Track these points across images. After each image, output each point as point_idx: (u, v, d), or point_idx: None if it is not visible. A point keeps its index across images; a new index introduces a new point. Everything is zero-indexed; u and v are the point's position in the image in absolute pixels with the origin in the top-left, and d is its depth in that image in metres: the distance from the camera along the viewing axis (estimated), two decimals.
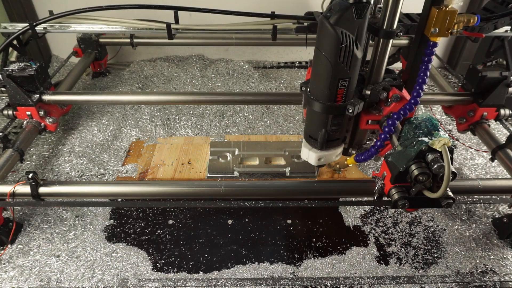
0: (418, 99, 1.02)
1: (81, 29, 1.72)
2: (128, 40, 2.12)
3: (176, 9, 1.62)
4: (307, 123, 1.09)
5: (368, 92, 1.06)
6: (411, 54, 1.09)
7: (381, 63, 1.05)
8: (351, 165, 1.23)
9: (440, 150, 0.92)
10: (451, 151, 0.92)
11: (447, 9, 0.94)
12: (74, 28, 1.71)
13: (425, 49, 1.01)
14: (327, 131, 1.04)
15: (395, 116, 1.04)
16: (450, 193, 0.99)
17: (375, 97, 1.06)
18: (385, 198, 1.11)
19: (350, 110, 0.99)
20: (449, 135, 1.87)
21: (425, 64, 1.03)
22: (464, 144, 1.83)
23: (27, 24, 1.59)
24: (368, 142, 1.25)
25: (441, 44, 2.49)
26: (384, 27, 0.98)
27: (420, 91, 1.02)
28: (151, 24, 1.71)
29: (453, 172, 0.91)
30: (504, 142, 1.47)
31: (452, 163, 0.93)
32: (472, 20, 0.97)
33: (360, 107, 1.02)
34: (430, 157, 0.93)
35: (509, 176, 1.39)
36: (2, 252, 1.31)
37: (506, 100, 1.57)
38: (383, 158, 1.08)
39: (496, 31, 1.64)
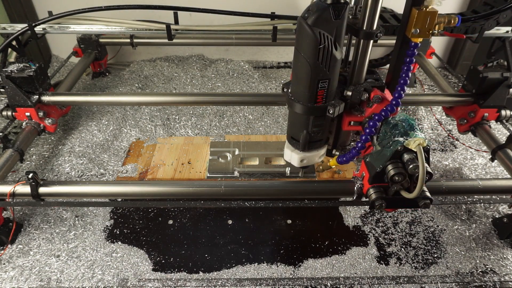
0: (399, 100, 1.02)
1: (80, 30, 1.71)
2: (128, 40, 2.13)
3: (176, 9, 1.62)
4: (289, 124, 1.09)
5: (350, 93, 1.06)
6: (393, 55, 1.09)
7: (362, 64, 1.05)
8: (333, 166, 1.23)
9: (415, 150, 0.92)
10: (427, 151, 0.92)
11: (428, 9, 0.94)
12: (73, 29, 1.70)
13: (406, 50, 1.01)
14: (308, 133, 1.03)
15: (376, 118, 1.03)
16: (428, 194, 0.99)
17: (357, 98, 1.06)
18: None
19: (331, 111, 0.98)
20: (449, 135, 1.88)
21: (406, 65, 1.02)
22: (464, 144, 1.83)
23: (26, 25, 1.58)
24: (352, 143, 1.25)
25: (441, 44, 2.49)
26: (364, 28, 0.98)
27: (402, 92, 1.02)
28: (150, 25, 1.71)
29: (428, 173, 0.90)
30: (504, 142, 1.47)
31: (429, 164, 0.93)
32: (452, 21, 0.97)
33: (341, 108, 1.02)
34: (406, 157, 0.93)
35: (509, 176, 1.39)
36: (2, 252, 1.31)
37: (507, 101, 1.57)
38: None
39: (497, 32, 1.65)
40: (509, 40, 1.64)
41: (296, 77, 0.96)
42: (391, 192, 1.00)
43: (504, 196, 1.37)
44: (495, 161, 1.50)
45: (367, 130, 1.04)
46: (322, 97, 0.96)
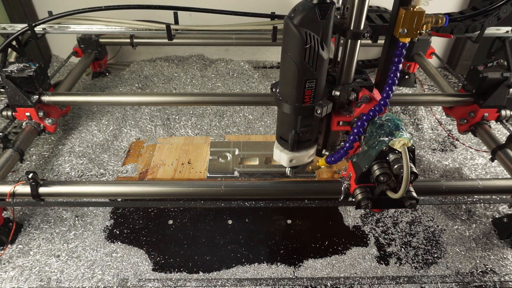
0: (387, 100, 1.01)
1: (80, 30, 1.71)
2: (128, 40, 2.13)
3: (176, 9, 1.62)
4: (278, 124, 1.09)
5: (338, 93, 1.06)
6: (382, 55, 1.09)
7: (350, 64, 1.05)
8: (322, 166, 1.24)
9: (400, 150, 0.91)
10: (412, 151, 0.92)
11: (415, 9, 0.94)
12: (73, 29, 1.71)
13: (394, 50, 1.01)
14: (297, 133, 1.04)
15: (364, 118, 1.03)
16: (414, 194, 0.99)
17: (345, 98, 1.06)
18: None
19: (319, 111, 0.98)
20: (449, 135, 1.88)
21: (395, 65, 1.02)
22: (464, 144, 1.83)
23: (26, 25, 1.58)
24: (342, 143, 1.25)
25: (441, 44, 2.49)
26: (351, 28, 0.98)
27: (390, 92, 1.01)
28: (150, 25, 1.71)
29: (413, 173, 0.90)
30: (504, 142, 1.47)
31: (414, 164, 0.93)
32: (440, 21, 0.97)
33: (329, 108, 1.02)
34: (391, 157, 0.93)
35: (509, 176, 1.39)
36: (2, 252, 1.31)
37: (507, 101, 1.57)
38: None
39: (497, 32, 1.65)
40: (509, 40, 1.64)
41: (284, 77, 0.96)
42: (377, 192, 1.00)
43: (504, 196, 1.37)
44: (495, 161, 1.50)
45: (355, 130, 1.04)
46: (309, 97, 0.96)
